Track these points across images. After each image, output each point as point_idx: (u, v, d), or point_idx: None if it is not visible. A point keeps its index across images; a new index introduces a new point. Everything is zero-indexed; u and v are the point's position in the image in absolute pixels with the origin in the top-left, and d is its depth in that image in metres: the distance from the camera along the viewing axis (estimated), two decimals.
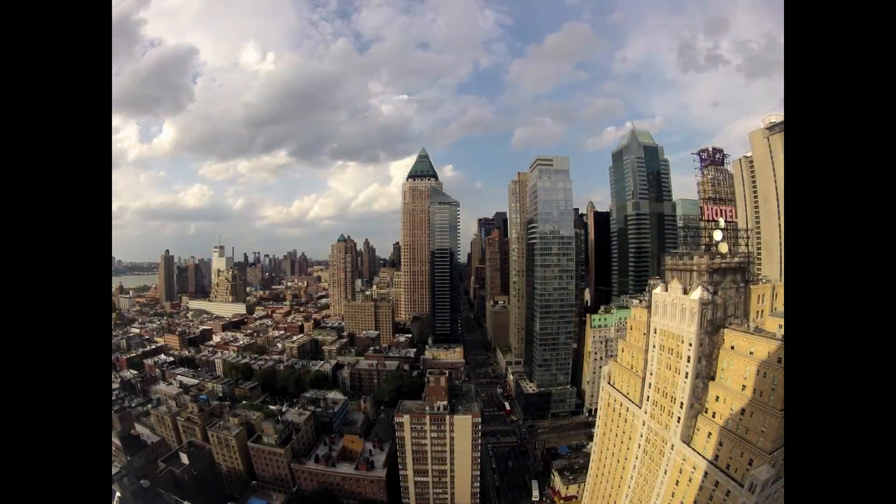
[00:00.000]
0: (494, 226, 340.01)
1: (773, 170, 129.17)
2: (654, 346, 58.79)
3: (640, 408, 62.42)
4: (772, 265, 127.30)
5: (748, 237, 63.43)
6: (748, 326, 50.74)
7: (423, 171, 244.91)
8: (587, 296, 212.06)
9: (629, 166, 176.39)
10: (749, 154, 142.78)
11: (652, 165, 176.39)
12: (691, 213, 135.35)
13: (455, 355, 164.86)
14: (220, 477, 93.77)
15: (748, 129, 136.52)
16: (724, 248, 56.86)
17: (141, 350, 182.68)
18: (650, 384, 60.17)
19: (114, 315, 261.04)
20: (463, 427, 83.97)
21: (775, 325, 47.80)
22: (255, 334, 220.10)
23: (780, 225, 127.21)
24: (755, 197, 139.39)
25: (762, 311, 56.07)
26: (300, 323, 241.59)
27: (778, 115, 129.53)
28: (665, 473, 57.01)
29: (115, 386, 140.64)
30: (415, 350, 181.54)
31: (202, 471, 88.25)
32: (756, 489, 42.91)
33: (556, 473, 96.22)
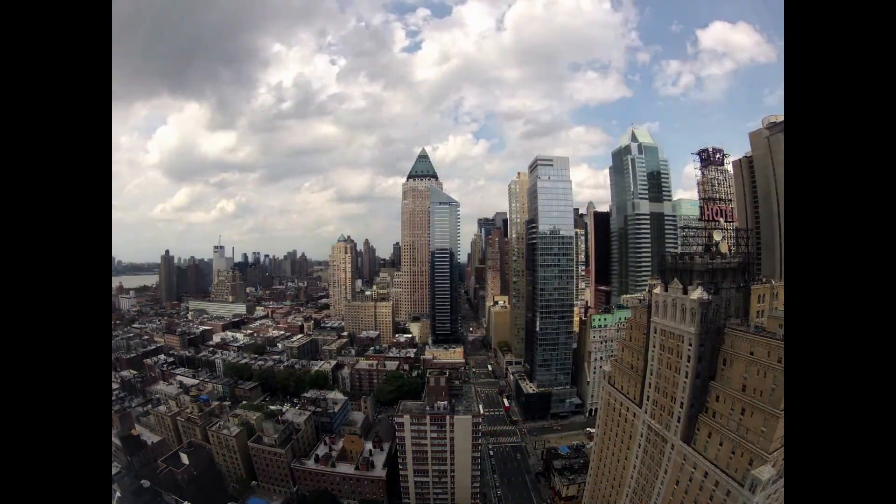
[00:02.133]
0: (494, 226, 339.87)
1: (773, 170, 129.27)
2: (655, 346, 58.79)
3: (641, 407, 62.43)
4: (772, 265, 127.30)
5: (748, 237, 63.34)
6: (748, 326, 50.70)
7: (423, 171, 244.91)
8: (587, 296, 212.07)
9: (629, 166, 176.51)
10: (749, 154, 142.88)
11: (652, 165, 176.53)
12: (691, 213, 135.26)
13: (455, 355, 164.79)
14: (220, 477, 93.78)
15: None
16: (724, 248, 56.86)
17: (141, 350, 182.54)
18: (650, 384, 60.17)
19: (114, 315, 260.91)
20: (463, 427, 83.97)
21: (775, 325, 47.78)
22: (255, 334, 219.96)
23: (780, 225, 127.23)
24: (755, 197, 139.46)
25: (762, 311, 56.04)
26: (300, 323, 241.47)
27: (778, 116, 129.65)
28: (665, 473, 57.01)
29: (115, 386, 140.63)
30: (415, 350, 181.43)
31: (202, 471, 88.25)
32: (756, 489, 42.91)
33: (556, 473, 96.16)
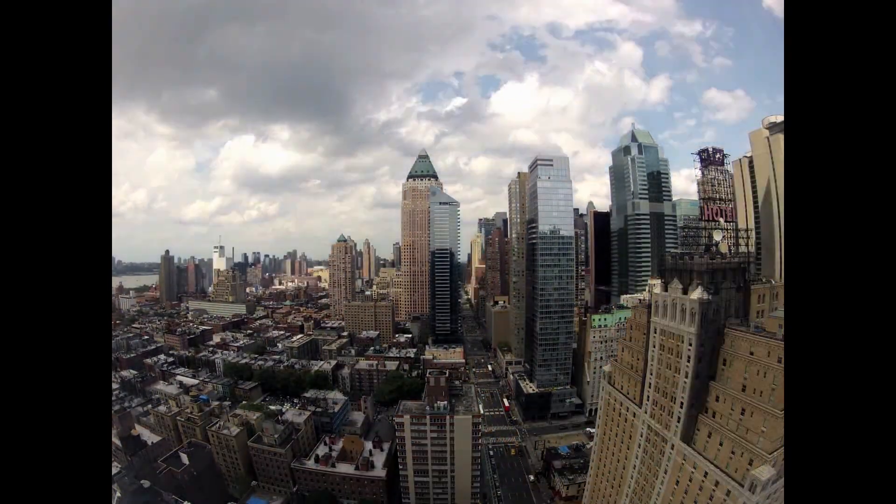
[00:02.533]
0: (494, 226, 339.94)
1: (773, 170, 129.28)
2: (655, 346, 58.78)
3: (641, 407, 62.43)
4: (772, 265, 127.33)
5: (748, 237, 63.37)
6: (748, 326, 50.71)
7: (423, 171, 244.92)
8: (587, 296, 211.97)
9: (629, 166, 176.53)
10: (749, 154, 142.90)
11: (652, 165, 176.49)
12: (691, 213, 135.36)
13: (455, 355, 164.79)
14: (220, 477, 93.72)
15: None
16: (724, 248, 56.87)
17: (141, 350, 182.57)
18: (650, 384, 60.17)
19: (114, 315, 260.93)
20: (463, 427, 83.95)
21: (775, 325, 47.79)
22: (255, 334, 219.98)
23: (780, 225, 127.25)
24: (755, 197, 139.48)
25: (762, 311, 56.04)
26: (300, 323, 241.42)
27: (778, 116, 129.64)
28: (665, 473, 57.01)
29: (115, 386, 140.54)
30: (415, 350, 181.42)
31: (202, 471, 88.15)
32: (756, 489, 42.90)
33: (556, 473, 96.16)
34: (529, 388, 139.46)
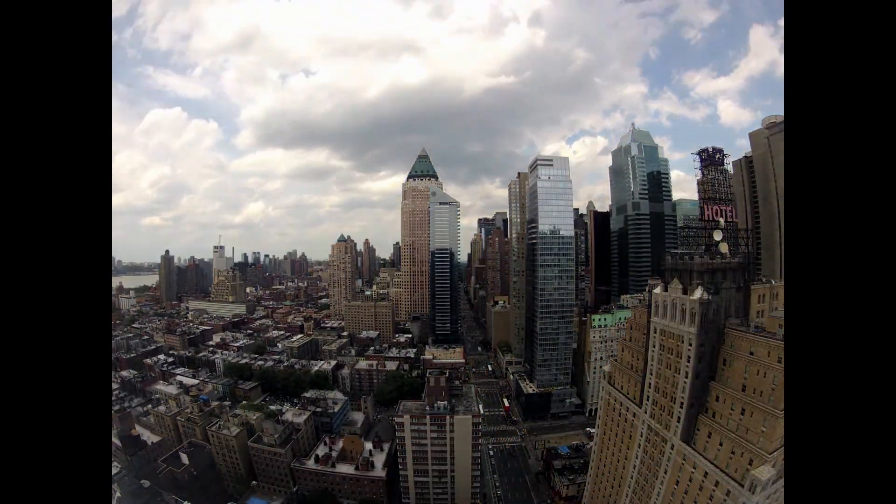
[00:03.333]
0: (494, 226, 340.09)
1: (773, 170, 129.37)
2: (655, 346, 58.79)
3: (641, 407, 62.44)
4: (772, 265, 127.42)
5: (748, 237, 63.38)
6: (748, 326, 50.71)
7: (423, 171, 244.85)
8: (587, 296, 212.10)
9: (629, 166, 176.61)
10: (749, 154, 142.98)
11: (652, 165, 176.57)
12: (691, 213, 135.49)
13: (455, 355, 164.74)
14: (220, 477, 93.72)
15: None
16: (724, 248, 56.87)
17: (141, 350, 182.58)
18: (650, 384, 60.19)
19: (114, 315, 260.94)
20: (463, 427, 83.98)
21: (775, 325, 47.79)
22: (255, 334, 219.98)
23: (780, 225, 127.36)
24: (755, 197, 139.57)
25: (762, 311, 56.03)
26: (300, 323, 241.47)
27: (778, 116, 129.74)
28: (665, 473, 57.03)
29: (115, 386, 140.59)
30: (415, 350, 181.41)
31: (202, 471, 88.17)
32: (756, 489, 42.92)
33: (556, 473, 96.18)
34: (529, 388, 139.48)
